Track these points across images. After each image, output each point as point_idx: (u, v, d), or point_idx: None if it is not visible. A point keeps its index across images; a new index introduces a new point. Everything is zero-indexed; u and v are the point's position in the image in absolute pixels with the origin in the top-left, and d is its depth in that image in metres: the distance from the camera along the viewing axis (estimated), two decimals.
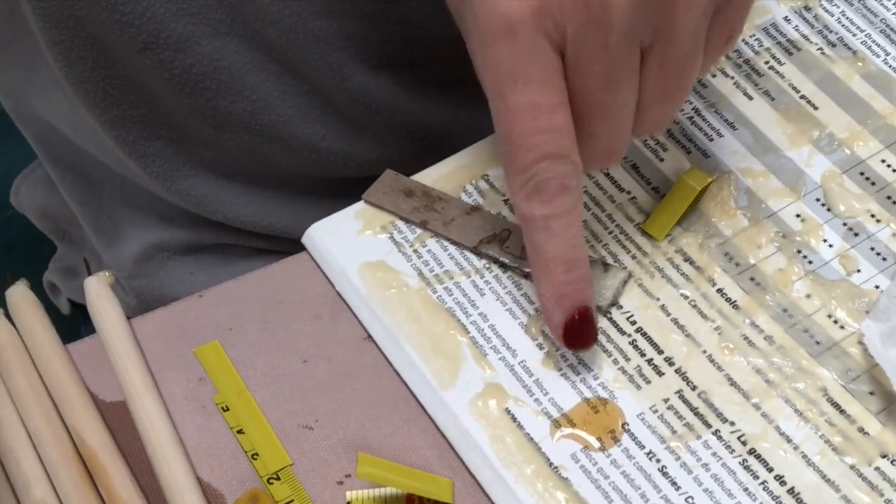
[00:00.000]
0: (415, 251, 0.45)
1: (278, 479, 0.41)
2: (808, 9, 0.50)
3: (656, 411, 0.41)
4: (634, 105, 0.39)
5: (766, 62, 0.49)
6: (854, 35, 0.49)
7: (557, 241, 0.39)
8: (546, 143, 0.38)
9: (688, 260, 0.44)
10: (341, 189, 0.48)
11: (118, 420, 0.42)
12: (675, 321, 0.43)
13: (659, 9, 0.36)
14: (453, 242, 0.45)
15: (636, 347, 0.43)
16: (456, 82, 0.52)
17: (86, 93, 0.51)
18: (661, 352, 0.42)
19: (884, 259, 0.44)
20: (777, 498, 0.39)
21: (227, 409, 0.43)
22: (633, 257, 0.44)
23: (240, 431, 0.42)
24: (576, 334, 0.40)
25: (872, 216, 0.45)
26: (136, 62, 0.49)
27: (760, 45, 0.49)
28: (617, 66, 0.37)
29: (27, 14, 0.49)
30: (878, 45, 0.49)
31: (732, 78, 0.49)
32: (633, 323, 0.43)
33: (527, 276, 0.44)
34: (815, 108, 0.48)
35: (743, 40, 0.50)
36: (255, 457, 0.42)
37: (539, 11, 0.36)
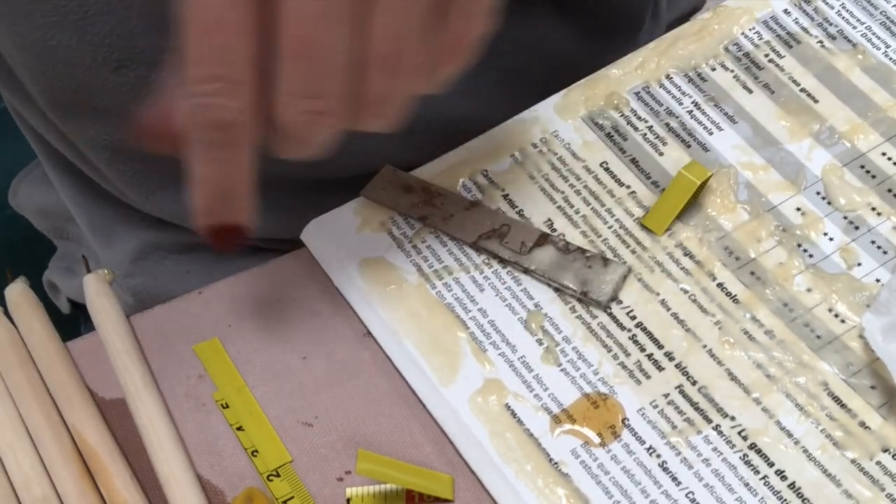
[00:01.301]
0: (414, 247, 0.45)
1: (278, 475, 0.41)
2: (807, 1, 0.50)
3: (656, 406, 0.41)
4: (342, 59, 0.36)
5: (766, 55, 0.49)
6: (854, 27, 0.49)
7: (209, 167, 0.37)
8: (217, 64, 0.35)
9: (688, 254, 0.44)
10: (341, 189, 0.48)
11: (118, 417, 0.42)
12: (675, 316, 0.43)
13: None
14: (452, 238, 0.45)
15: (636, 342, 0.42)
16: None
17: (69, 122, 0.51)
18: (661, 347, 0.42)
19: (884, 252, 0.44)
20: (778, 493, 0.39)
21: (227, 406, 0.43)
22: (633, 252, 0.44)
23: (239, 428, 0.42)
24: (218, 236, 0.38)
25: (873, 209, 0.45)
26: (113, 83, 0.49)
27: (760, 38, 0.49)
28: (319, 6, 0.34)
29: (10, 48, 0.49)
30: (879, 38, 0.49)
31: (732, 71, 0.49)
32: (633, 318, 0.43)
33: (526, 271, 0.44)
34: (816, 102, 0.48)
35: (742, 33, 0.49)
36: (254, 454, 0.41)
37: None
